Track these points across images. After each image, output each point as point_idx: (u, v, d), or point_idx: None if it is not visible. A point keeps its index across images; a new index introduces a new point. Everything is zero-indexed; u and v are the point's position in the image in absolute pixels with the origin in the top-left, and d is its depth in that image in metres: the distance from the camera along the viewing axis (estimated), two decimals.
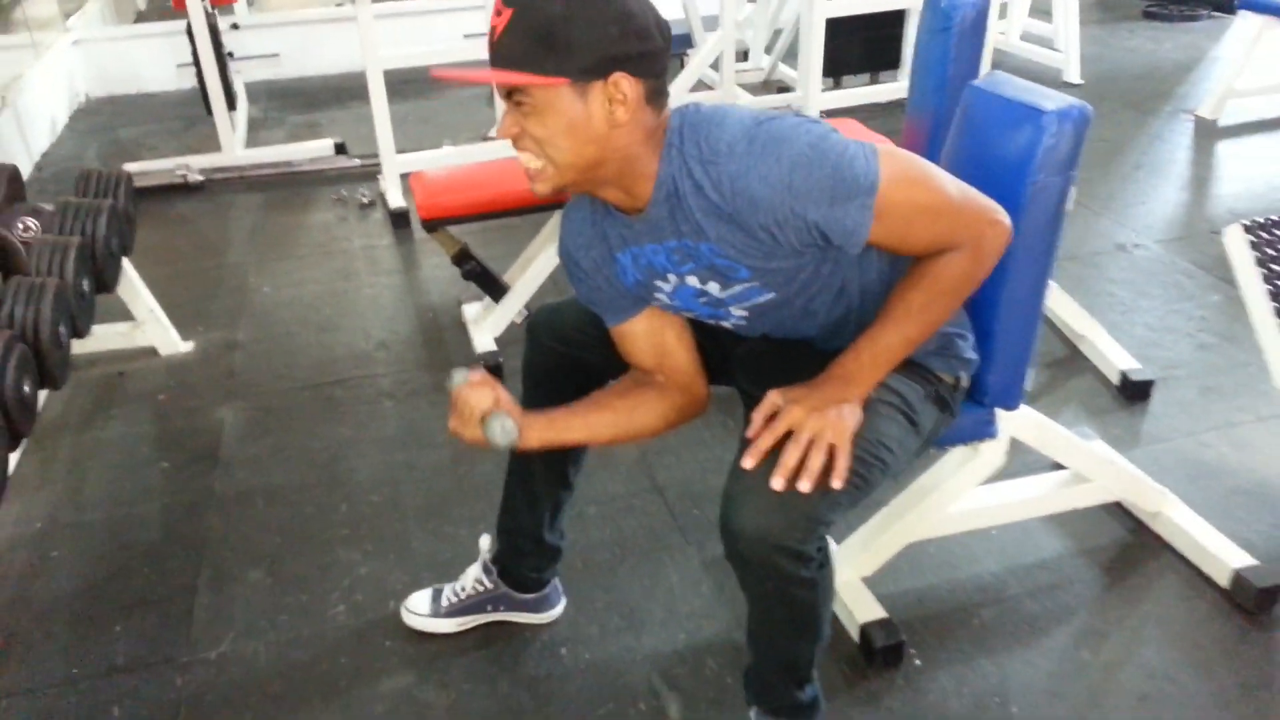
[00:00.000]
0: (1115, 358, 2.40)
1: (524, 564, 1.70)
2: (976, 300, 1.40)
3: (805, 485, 1.13)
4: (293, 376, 2.54)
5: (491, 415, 1.28)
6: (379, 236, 3.39)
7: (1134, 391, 2.33)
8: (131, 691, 1.64)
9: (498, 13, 1.12)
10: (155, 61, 5.12)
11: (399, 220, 3.41)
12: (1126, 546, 1.88)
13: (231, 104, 3.95)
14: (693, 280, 1.27)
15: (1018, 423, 1.62)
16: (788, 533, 1.14)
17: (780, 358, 1.35)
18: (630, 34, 1.11)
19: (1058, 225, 1.37)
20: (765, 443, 1.17)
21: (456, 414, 1.30)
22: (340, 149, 4.03)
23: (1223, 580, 1.76)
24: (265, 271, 3.15)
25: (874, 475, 1.22)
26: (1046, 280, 1.43)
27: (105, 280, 2.30)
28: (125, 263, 2.49)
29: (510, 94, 1.14)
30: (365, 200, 3.65)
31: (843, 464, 1.15)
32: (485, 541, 1.73)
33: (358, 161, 3.97)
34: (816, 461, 1.14)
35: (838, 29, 3.98)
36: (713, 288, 1.27)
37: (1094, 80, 4.63)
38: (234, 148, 3.95)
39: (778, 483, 1.13)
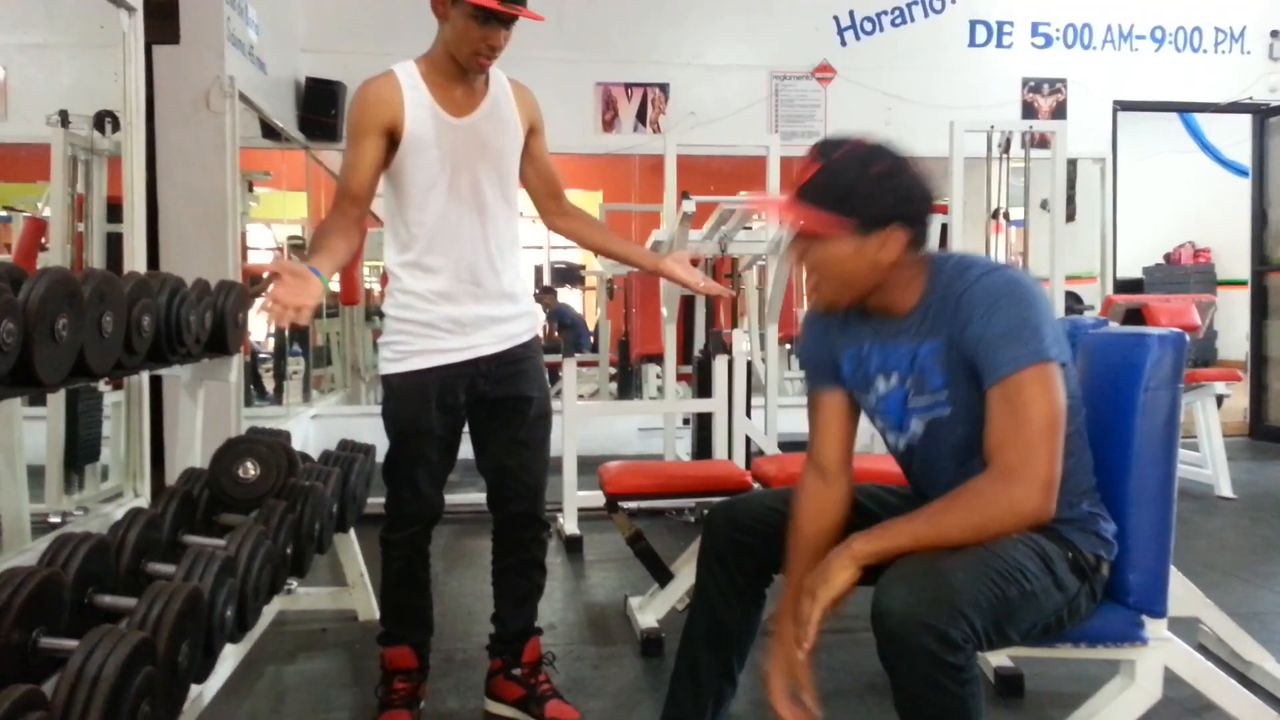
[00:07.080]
0: None
1: None
2: (1108, 496, 1.60)
3: None
4: (469, 639, 2.77)
5: None
6: (552, 557, 3.73)
7: None
8: None
9: (810, 161, 1.41)
10: (374, 433, 5.99)
11: (572, 544, 3.79)
12: None
13: None
14: (898, 382, 1.53)
15: (1171, 652, 1.69)
16: (931, 610, 1.29)
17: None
18: (913, 199, 1.43)
19: (1172, 432, 1.60)
20: None
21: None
22: None
23: None
24: (452, 572, 3.53)
25: (1011, 591, 1.36)
26: (1172, 485, 1.62)
27: (345, 518, 2.76)
28: (351, 532, 2.92)
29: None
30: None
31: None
32: None
33: None
34: None
35: None
36: (913, 397, 1.52)
37: (1246, 495, 4.81)
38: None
39: None
